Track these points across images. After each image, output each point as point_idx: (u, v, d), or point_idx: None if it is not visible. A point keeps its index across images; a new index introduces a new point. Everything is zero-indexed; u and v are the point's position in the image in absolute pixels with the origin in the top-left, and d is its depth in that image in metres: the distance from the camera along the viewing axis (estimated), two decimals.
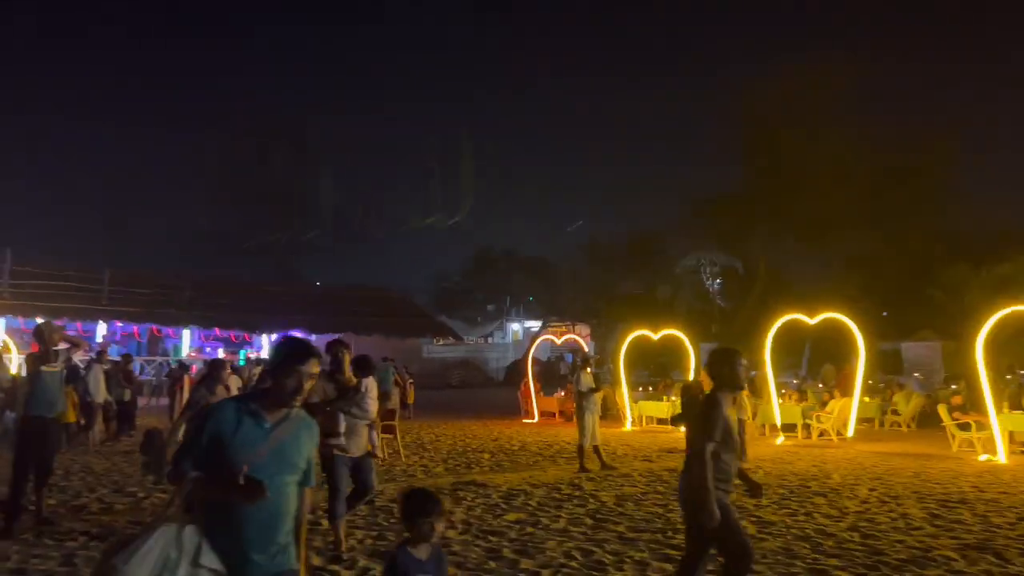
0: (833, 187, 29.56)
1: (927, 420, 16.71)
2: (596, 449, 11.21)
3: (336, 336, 7.35)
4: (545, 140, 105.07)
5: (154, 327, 35.19)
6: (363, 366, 6.59)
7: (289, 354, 2.83)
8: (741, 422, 12.10)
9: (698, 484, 4.22)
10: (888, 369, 23.96)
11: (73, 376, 13.16)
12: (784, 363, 23.58)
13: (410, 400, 21.19)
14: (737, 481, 4.57)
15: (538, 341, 27.26)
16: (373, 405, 6.52)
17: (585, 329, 40.26)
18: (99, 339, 31.74)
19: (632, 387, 19.42)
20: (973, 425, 12.93)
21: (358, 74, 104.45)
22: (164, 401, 21.11)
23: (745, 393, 12.35)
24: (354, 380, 6.40)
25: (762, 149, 31.68)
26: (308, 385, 2.83)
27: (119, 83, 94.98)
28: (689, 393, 14.03)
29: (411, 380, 22.48)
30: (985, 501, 8.58)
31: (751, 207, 31.20)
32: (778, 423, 15.32)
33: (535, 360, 22.80)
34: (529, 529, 7.23)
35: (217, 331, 37.26)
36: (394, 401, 14.12)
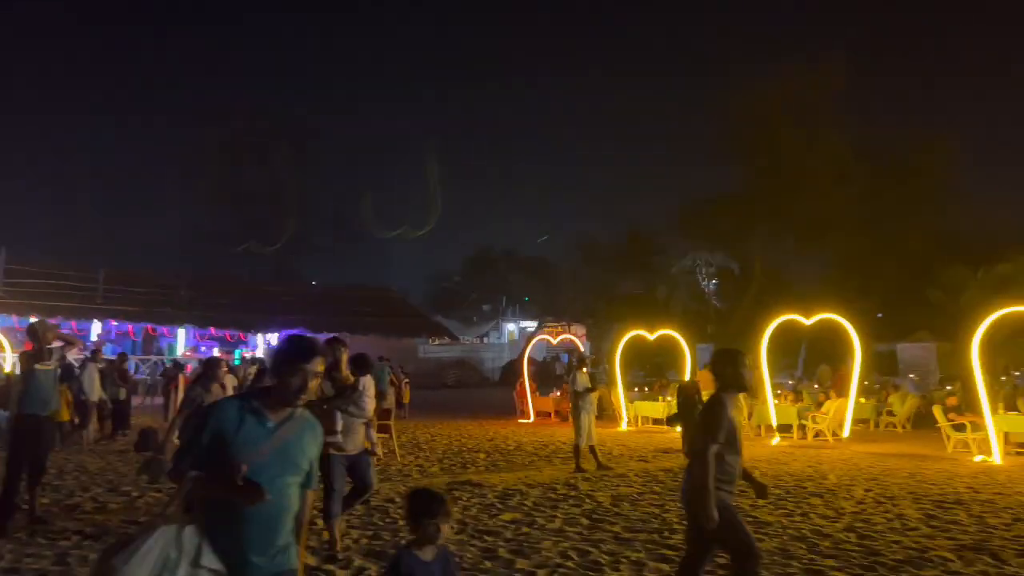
0: (831, 187, 29.60)
1: (922, 421, 16.73)
2: (592, 449, 11.20)
3: (333, 335, 7.32)
4: (544, 140, 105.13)
5: (149, 326, 35.12)
6: (360, 364, 6.57)
7: (294, 352, 2.78)
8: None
9: (699, 485, 4.19)
10: (883, 370, 23.99)
11: (67, 374, 13.11)
12: (780, 364, 23.60)
13: (406, 400, 21.16)
14: (742, 482, 4.53)
15: (534, 341, 27.25)
16: (370, 404, 6.50)
17: (581, 329, 40.24)
18: (94, 338, 31.68)
19: (628, 387, 19.42)
20: (968, 426, 12.95)
21: (358, 74, 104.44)
22: (159, 400, 21.04)
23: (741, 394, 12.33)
24: (351, 378, 6.37)
25: (760, 149, 31.67)
26: (313, 384, 2.77)
27: (116, 81, 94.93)
28: (685, 393, 14.07)
29: (407, 380, 22.45)
30: (981, 502, 8.59)
31: (749, 207, 31.19)
32: (774, 424, 15.33)
33: (531, 360, 22.79)
34: (525, 529, 7.21)
35: (213, 330, 37.21)
36: (390, 401, 14.10)
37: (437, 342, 48.89)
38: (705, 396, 14.66)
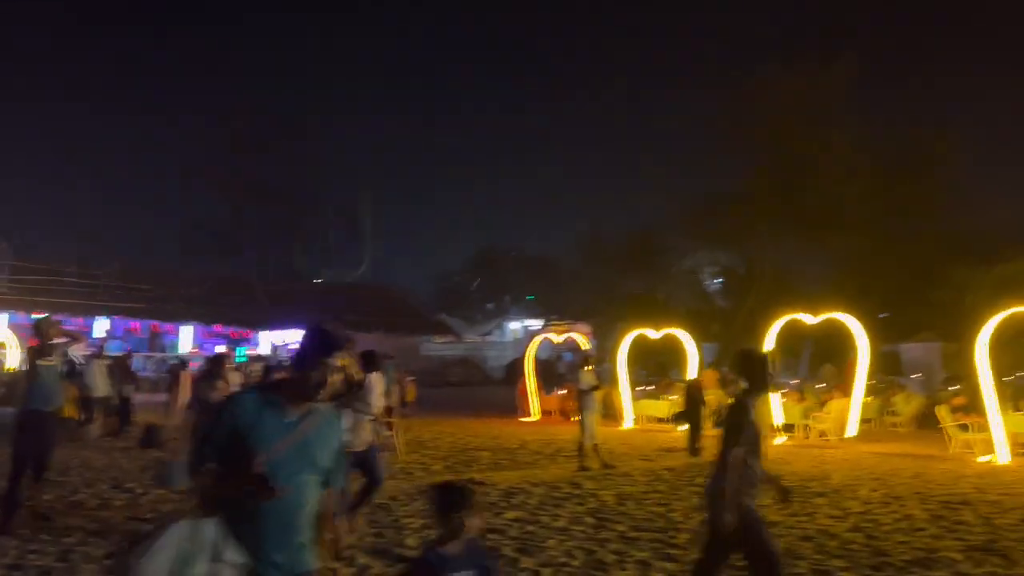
0: (835, 186, 29.50)
1: (926, 421, 16.67)
2: (596, 448, 11.17)
3: None
4: (547, 138, 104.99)
5: (154, 323, 35.17)
6: (369, 361, 6.54)
7: (316, 345, 2.69)
8: None
9: (720, 489, 4.10)
10: (887, 370, 23.92)
11: (72, 371, 13.14)
12: (784, 363, 23.53)
13: (409, 398, 21.13)
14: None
15: (538, 339, 27.20)
16: (378, 400, 6.48)
17: (585, 328, 40.19)
18: (100, 334, 31.73)
19: (631, 386, 19.38)
20: (973, 426, 12.90)
21: (358, 74, 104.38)
22: (163, 397, 21.05)
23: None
24: (359, 376, 6.34)
25: (764, 148, 31.59)
26: (334, 379, 2.69)
27: (122, 78, 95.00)
28: (690, 392, 14.07)
29: (411, 378, 22.44)
30: (988, 502, 8.54)
31: (752, 206, 31.10)
32: (778, 423, 15.28)
33: (535, 359, 22.77)
34: (529, 527, 7.18)
35: (217, 328, 37.25)
36: (393, 399, 14.08)
37: (440, 340, 48.94)
38: (709, 395, 14.76)
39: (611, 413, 18.59)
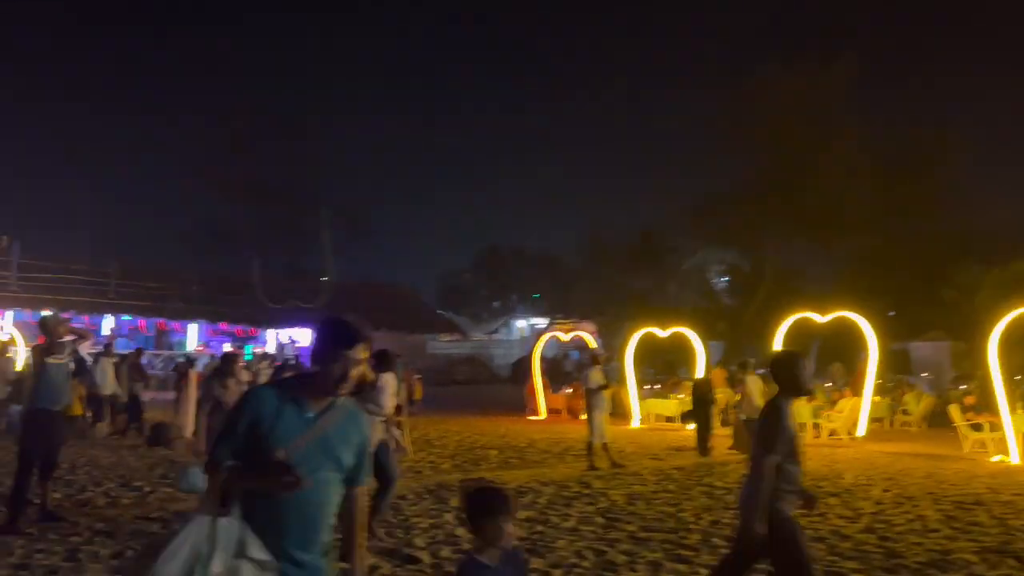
0: (843, 185, 29.39)
1: (936, 420, 16.58)
2: (605, 447, 11.11)
3: None
4: (547, 138, 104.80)
5: (161, 321, 35.23)
6: (383, 361, 6.48)
7: (335, 337, 2.59)
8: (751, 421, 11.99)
9: (753, 495, 3.94)
10: (896, 369, 23.81)
11: (80, 369, 13.12)
12: None
13: (417, 396, 21.12)
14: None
15: (545, 338, 27.16)
16: (390, 401, 6.42)
17: (591, 326, 40.14)
18: (106, 332, 31.79)
19: (639, 385, 19.32)
20: (986, 426, 12.80)
21: (358, 74, 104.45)
22: (171, 395, 21.06)
23: (758, 391, 12.22)
24: (370, 375, 6.27)
25: (764, 148, 31.51)
26: (356, 373, 2.59)
27: (122, 78, 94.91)
28: (699, 391, 13.99)
29: (418, 376, 22.42)
30: (1001, 503, 8.46)
31: (759, 205, 31.01)
32: None
33: (542, 357, 22.73)
34: (539, 528, 7.12)
35: (224, 326, 37.29)
36: (401, 397, 14.04)
37: (447, 338, 48.91)
38: (719, 393, 14.67)
39: (620, 412, 18.54)
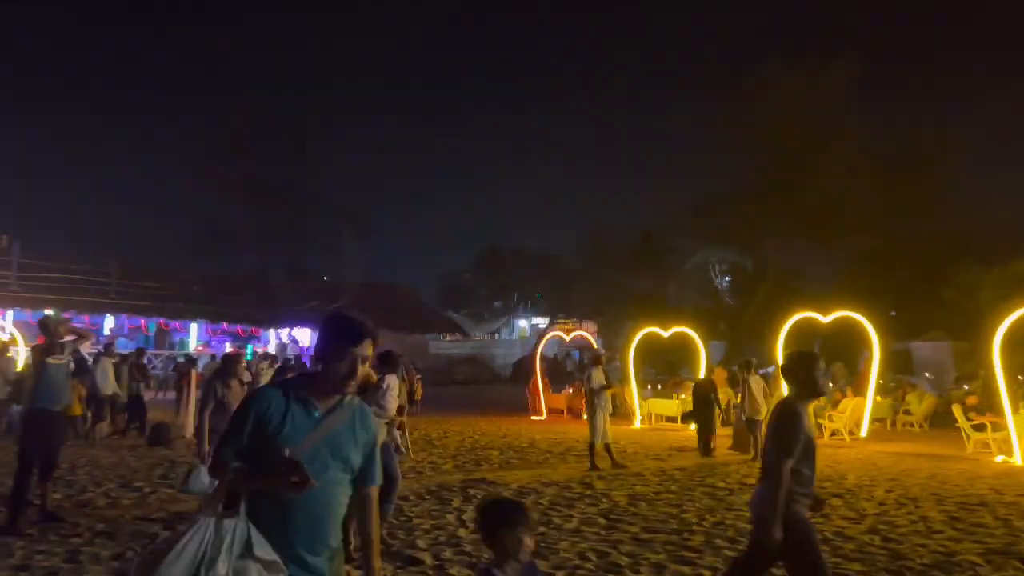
0: (843, 185, 29.38)
1: (939, 420, 16.54)
2: (607, 447, 11.08)
3: None
4: (547, 138, 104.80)
5: (162, 321, 35.19)
6: (387, 362, 6.44)
7: (340, 334, 2.55)
8: (757, 422, 11.96)
9: (768, 500, 3.85)
10: (898, 369, 23.79)
11: (80, 369, 13.09)
12: None
13: (418, 396, 21.09)
14: None
15: (547, 338, 27.14)
16: (393, 403, 6.39)
17: (592, 326, 40.12)
18: (106, 332, 31.77)
19: (641, 385, 19.29)
20: (989, 426, 12.76)
21: (358, 74, 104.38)
22: (172, 395, 21.04)
23: (760, 391, 12.19)
24: (373, 377, 6.23)
25: (764, 148, 31.51)
26: (362, 369, 2.55)
27: (122, 78, 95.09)
28: (701, 391, 13.95)
29: (419, 376, 22.38)
30: (1006, 504, 8.42)
31: (753, 206, 31.01)
32: None
33: (543, 357, 22.70)
34: (541, 529, 7.08)
35: (225, 325, 37.26)
36: (403, 397, 14.02)
37: (448, 338, 48.86)
38: (721, 393, 14.62)
39: (621, 412, 18.52)
